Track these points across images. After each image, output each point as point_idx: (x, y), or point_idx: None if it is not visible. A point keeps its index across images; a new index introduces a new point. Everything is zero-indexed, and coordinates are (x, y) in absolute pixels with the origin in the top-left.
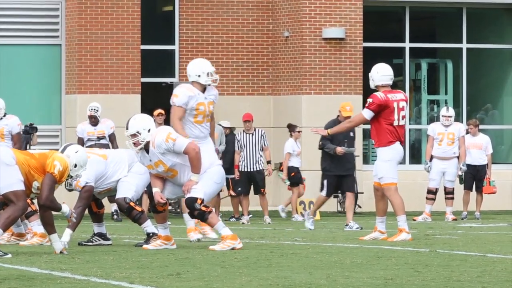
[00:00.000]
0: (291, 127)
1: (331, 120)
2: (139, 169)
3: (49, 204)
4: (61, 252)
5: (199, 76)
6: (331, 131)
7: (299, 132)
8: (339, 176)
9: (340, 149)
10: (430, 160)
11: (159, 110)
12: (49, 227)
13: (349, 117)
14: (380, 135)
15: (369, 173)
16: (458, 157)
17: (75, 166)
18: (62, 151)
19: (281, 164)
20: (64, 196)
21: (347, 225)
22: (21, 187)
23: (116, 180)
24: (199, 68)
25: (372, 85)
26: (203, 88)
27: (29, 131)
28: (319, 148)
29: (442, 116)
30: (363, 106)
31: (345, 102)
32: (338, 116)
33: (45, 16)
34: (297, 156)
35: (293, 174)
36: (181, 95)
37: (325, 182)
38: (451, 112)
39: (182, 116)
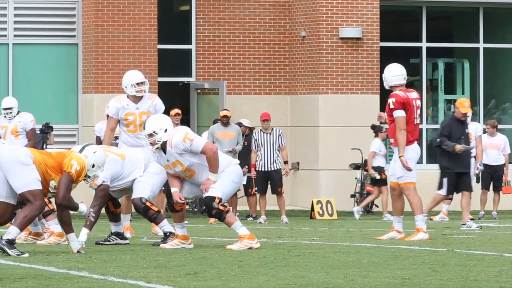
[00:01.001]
0: (376, 128)
1: (448, 117)
2: (155, 169)
3: (66, 203)
4: (78, 252)
5: (126, 87)
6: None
7: (385, 132)
8: (457, 174)
9: (459, 147)
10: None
11: (176, 110)
12: (67, 227)
13: (465, 114)
14: None
15: (386, 173)
16: (475, 156)
17: (93, 166)
18: (80, 151)
19: (298, 163)
20: (81, 196)
21: (464, 224)
22: (38, 186)
23: (132, 179)
24: (125, 80)
25: (386, 85)
26: (137, 99)
27: (45, 130)
28: (436, 145)
29: None
30: (381, 106)
31: (462, 98)
32: (454, 112)
33: (62, 16)
34: (383, 156)
35: (383, 176)
36: (111, 106)
37: (444, 180)
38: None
39: (114, 127)
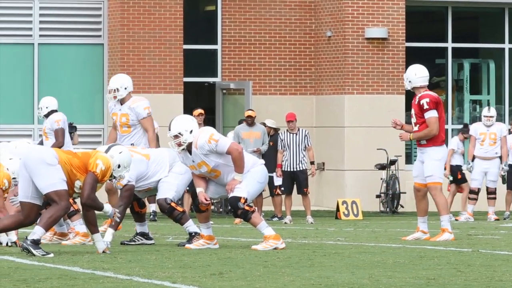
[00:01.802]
0: (465, 127)
1: None
2: (180, 169)
3: (91, 203)
4: (103, 252)
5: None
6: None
7: (466, 132)
8: None
9: None
10: (472, 160)
11: (199, 110)
12: (92, 227)
13: None
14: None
15: (411, 173)
16: (500, 157)
17: (119, 166)
18: (106, 151)
19: (323, 164)
20: (106, 197)
21: None
22: (64, 186)
23: (157, 180)
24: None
25: (409, 87)
26: (122, 101)
27: (69, 130)
28: None
29: (484, 116)
30: (406, 106)
31: None
32: None
33: (87, 16)
34: (461, 154)
35: (459, 176)
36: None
37: None
38: (493, 112)
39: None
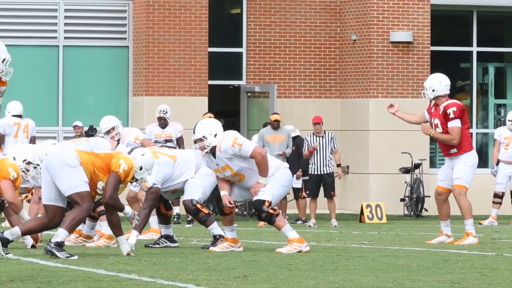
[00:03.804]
0: None
1: None
2: (206, 171)
3: (113, 203)
4: (128, 254)
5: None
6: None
7: None
8: None
9: None
10: (497, 164)
11: (209, 114)
12: (116, 230)
13: None
14: (463, 141)
15: (435, 177)
16: None
17: (141, 168)
18: (129, 153)
19: (348, 167)
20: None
21: None
22: (86, 188)
23: (183, 181)
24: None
25: (432, 96)
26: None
27: (90, 133)
28: None
29: (508, 120)
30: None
31: None
32: None
33: (112, 18)
34: None
35: None
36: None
37: None
38: None
39: None
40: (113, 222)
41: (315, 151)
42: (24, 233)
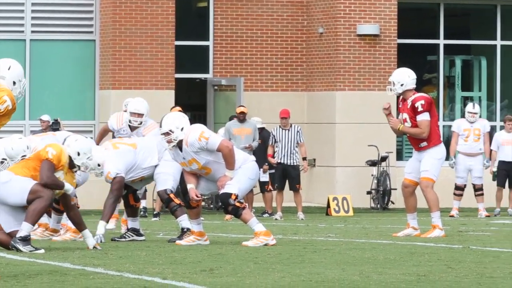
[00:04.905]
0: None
1: None
2: (170, 156)
3: (51, 182)
4: (94, 248)
5: (128, 113)
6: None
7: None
8: None
9: None
10: (455, 157)
11: (177, 108)
12: (79, 225)
13: None
14: (431, 134)
15: (402, 170)
16: (483, 153)
17: (78, 154)
18: (63, 143)
19: (314, 160)
20: (98, 190)
21: None
22: (32, 183)
23: (148, 167)
24: (128, 106)
25: (400, 90)
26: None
27: (53, 126)
28: None
29: (468, 112)
30: (397, 103)
31: None
32: None
33: (79, 12)
34: None
35: None
36: (109, 122)
37: None
38: (477, 109)
39: None
40: (74, 219)
41: (281, 143)
42: None
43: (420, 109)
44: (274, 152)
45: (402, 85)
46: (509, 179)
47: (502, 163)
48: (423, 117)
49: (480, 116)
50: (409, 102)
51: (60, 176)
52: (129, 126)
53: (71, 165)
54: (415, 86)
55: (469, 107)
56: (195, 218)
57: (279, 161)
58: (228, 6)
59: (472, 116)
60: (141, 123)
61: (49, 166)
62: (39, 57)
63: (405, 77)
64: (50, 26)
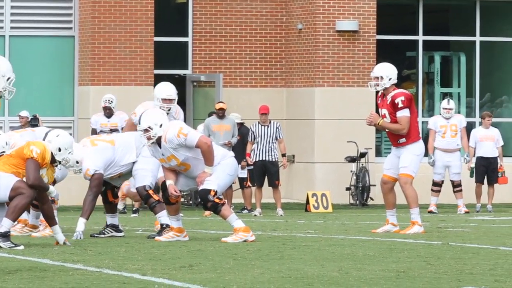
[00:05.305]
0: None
1: None
2: (148, 152)
3: (38, 183)
4: (64, 243)
5: (157, 99)
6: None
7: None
8: None
9: None
10: (433, 154)
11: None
12: (50, 220)
13: None
14: (411, 131)
15: (381, 166)
16: (460, 149)
17: (59, 150)
18: (44, 138)
19: (293, 156)
20: (77, 187)
21: None
22: (15, 179)
23: (126, 163)
24: (156, 92)
25: (388, 84)
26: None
27: (32, 122)
28: None
29: (443, 108)
30: (376, 99)
31: None
32: None
33: (58, 8)
34: None
35: None
36: (138, 114)
37: None
38: (452, 104)
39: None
40: (46, 212)
41: (260, 139)
42: None
43: (400, 105)
44: (251, 150)
45: (390, 79)
46: (487, 175)
47: (480, 159)
48: (403, 113)
49: (456, 112)
50: (389, 98)
51: (42, 173)
52: None
53: (52, 160)
54: (396, 81)
55: (444, 103)
56: (174, 214)
57: (258, 158)
58: (207, 2)
59: (447, 112)
60: (169, 109)
61: (35, 166)
62: (18, 53)
63: (392, 71)
64: (29, 22)
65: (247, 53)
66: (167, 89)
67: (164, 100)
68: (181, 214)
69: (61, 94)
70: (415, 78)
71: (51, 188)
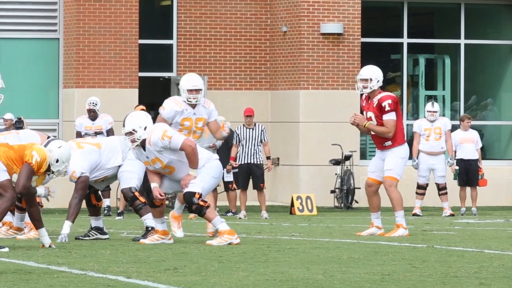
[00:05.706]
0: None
1: None
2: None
3: (26, 192)
4: (49, 246)
5: (183, 91)
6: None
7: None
8: None
9: None
10: (417, 157)
11: (141, 106)
12: (37, 222)
13: None
14: (396, 134)
15: (366, 169)
16: (445, 152)
17: (57, 161)
18: (45, 145)
19: (278, 159)
20: (62, 190)
21: None
22: (6, 177)
23: (112, 167)
24: (181, 84)
25: (376, 86)
26: (194, 104)
27: (17, 125)
28: None
29: (428, 111)
30: (360, 101)
31: None
32: None
33: (43, 10)
34: None
35: None
36: (167, 108)
37: None
38: (436, 107)
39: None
40: (33, 215)
41: (245, 142)
42: None
43: (387, 108)
44: (236, 153)
45: (378, 81)
46: (468, 178)
47: (460, 161)
48: (390, 117)
49: (441, 115)
50: (375, 100)
51: (33, 179)
52: (189, 104)
53: (47, 169)
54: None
55: (429, 106)
56: (159, 217)
57: (243, 161)
58: (192, 5)
59: (431, 115)
60: (197, 100)
61: (29, 173)
62: (2, 56)
63: (380, 73)
64: (13, 24)
65: (231, 56)
66: (193, 79)
67: (190, 91)
68: (166, 217)
69: (46, 97)
70: (400, 81)
71: (39, 190)
